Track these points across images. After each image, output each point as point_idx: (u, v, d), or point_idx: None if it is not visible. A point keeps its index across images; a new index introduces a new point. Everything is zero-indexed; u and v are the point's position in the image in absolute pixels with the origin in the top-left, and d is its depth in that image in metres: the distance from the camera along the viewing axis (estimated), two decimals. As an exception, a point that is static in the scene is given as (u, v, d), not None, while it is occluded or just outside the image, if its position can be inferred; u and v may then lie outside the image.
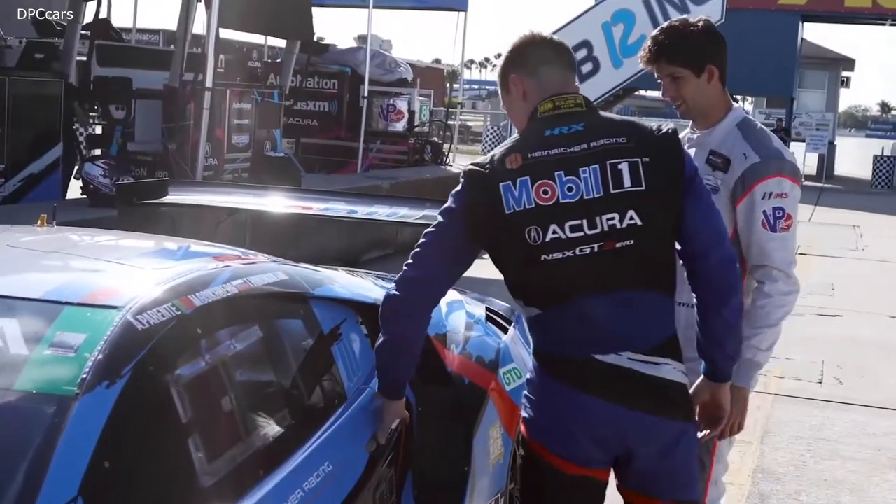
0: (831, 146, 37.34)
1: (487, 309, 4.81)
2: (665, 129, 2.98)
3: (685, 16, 3.73)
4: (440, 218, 3.02)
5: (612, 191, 2.88)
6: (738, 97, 37.40)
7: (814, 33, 43.53)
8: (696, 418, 3.23)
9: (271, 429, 2.96)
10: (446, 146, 19.97)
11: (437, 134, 20.73)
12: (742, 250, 3.60)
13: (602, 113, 3.06)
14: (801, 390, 8.14)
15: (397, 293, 3.04)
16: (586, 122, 2.98)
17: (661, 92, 3.76)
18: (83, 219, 8.60)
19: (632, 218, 2.88)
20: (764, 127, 3.76)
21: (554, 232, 2.88)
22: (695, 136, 3.76)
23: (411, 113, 18.63)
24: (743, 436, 6.81)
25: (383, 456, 3.29)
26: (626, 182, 2.89)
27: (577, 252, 2.88)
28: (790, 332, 9.95)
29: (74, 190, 11.75)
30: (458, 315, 4.47)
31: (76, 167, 11.67)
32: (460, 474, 3.72)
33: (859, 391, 8.21)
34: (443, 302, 4.47)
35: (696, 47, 3.59)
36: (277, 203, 5.83)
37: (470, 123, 45.56)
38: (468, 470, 3.74)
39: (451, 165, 19.01)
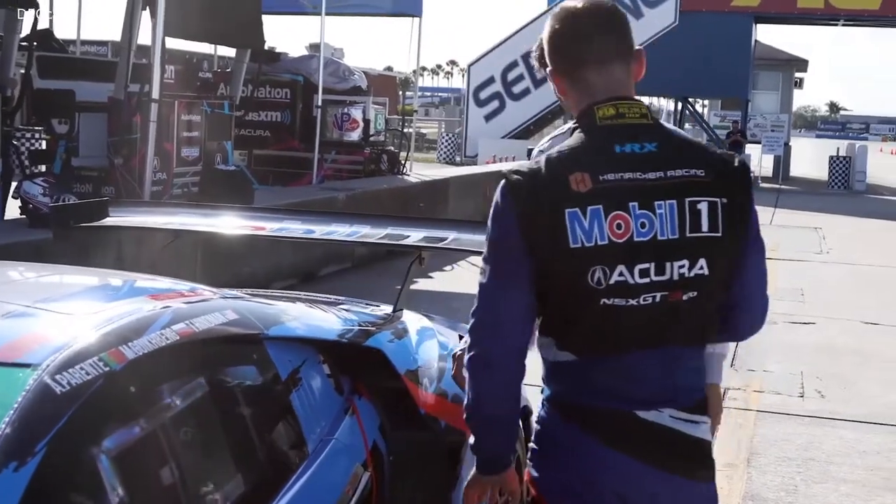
0: (786, 147, 37.33)
1: (461, 337, 4.39)
2: (736, 161, 2.54)
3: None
4: (490, 251, 2.48)
5: (687, 234, 2.42)
6: (692, 99, 37.35)
7: (764, 34, 43.63)
8: None
9: (223, 498, 2.52)
10: (403, 155, 19.56)
11: (393, 142, 20.33)
12: None
13: (667, 127, 2.61)
14: (783, 406, 7.79)
15: (473, 352, 2.50)
16: (659, 140, 2.49)
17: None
18: (20, 241, 8.11)
19: (701, 267, 2.44)
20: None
21: (620, 275, 2.41)
22: None
23: (366, 122, 18.19)
24: (729, 458, 6.51)
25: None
26: (704, 226, 2.43)
27: (641, 301, 2.43)
28: (765, 342, 9.76)
29: (14, 209, 11.21)
30: (430, 345, 4.06)
31: (14, 185, 11.12)
32: (440, 532, 3.31)
33: (843, 404, 7.87)
34: (412, 331, 4.07)
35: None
36: (228, 223, 5.37)
37: (424, 131, 45.21)
38: (448, 526, 3.33)
39: (408, 175, 18.60)
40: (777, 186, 33.69)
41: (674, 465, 2.50)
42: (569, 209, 2.38)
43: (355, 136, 18.17)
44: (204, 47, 18.85)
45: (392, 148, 19.71)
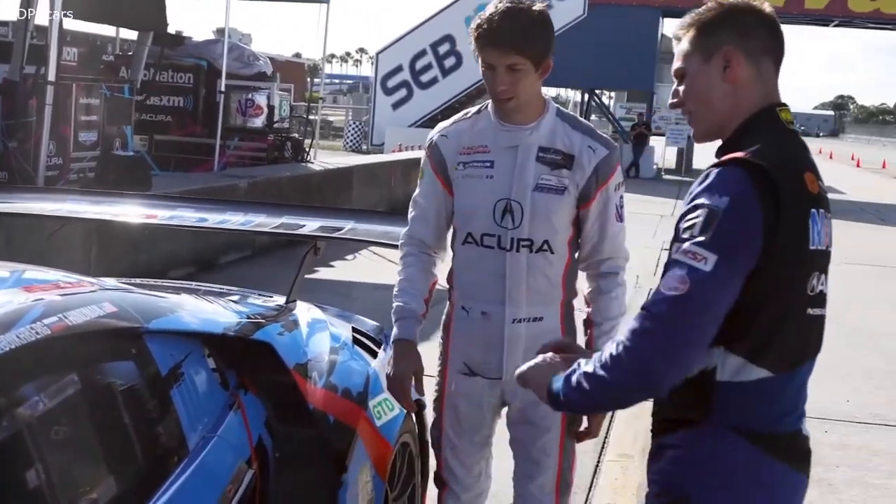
0: (690, 140, 37.81)
1: (353, 329, 4.33)
2: None
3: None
4: (719, 239, 2.20)
5: (830, 246, 2.41)
6: (599, 91, 37.70)
7: (671, 29, 44.15)
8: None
9: (95, 501, 2.43)
10: (307, 142, 19.40)
11: (297, 130, 20.16)
12: (584, 248, 3.47)
13: None
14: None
15: (658, 333, 2.21)
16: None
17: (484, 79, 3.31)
18: None
19: None
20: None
21: (820, 283, 2.37)
22: (506, 130, 3.37)
23: (271, 108, 18.01)
24: (624, 449, 6.54)
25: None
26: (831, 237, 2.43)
27: (822, 310, 2.40)
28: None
29: None
30: (321, 338, 3.98)
31: None
32: (327, 530, 3.25)
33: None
34: (303, 323, 3.99)
35: (544, 39, 3.25)
36: (120, 210, 5.24)
37: (331, 118, 44.95)
38: (336, 524, 3.27)
39: (312, 162, 18.44)
40: (680, 178, 34.19)
41: (808, 470, 2.46)
42: (812, 209, 2.32)
43: (259, 122, 17.98)
44: (109, 29, 18.49)
45: (296, 135, 19.55)
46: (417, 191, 3.56)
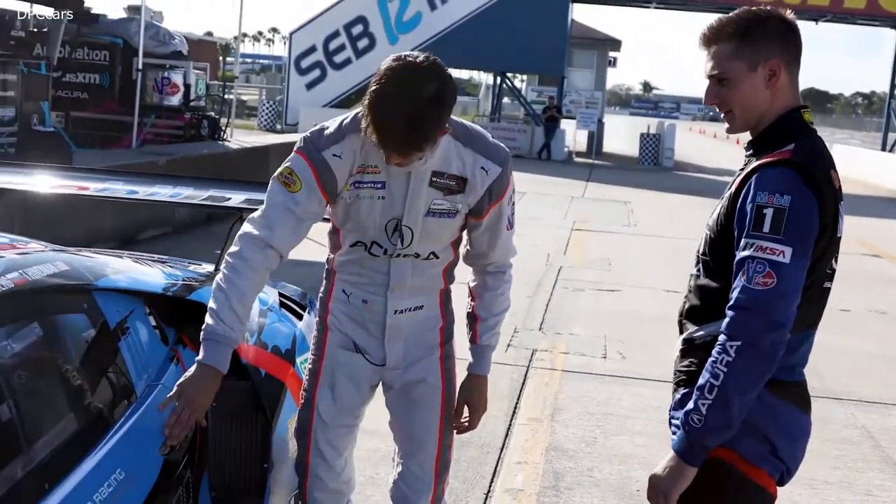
0: (600, 124, 38.45)
1: (280, 294, 4.61)
2: None
3: None
4: (794, 230, 2.59)
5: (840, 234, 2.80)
6: (511, 74, 38.05)
7: (583, 14, 44.64)
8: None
9: (56, 437, 2.68)
10: (223, 121, 19.49)
11: (213, 108, 20.24)
12: (473, 251, 3.53)
13: None
14: (587, 366, 8.26)
15: (766, 323, 2.58)
16: None
17: None
18: None
19: None
20: (463, 121, 3.43)
21: (836, 262, 2.83)
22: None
23: (187, 86, 18.10)
24: (534, 413, 6.91)
25: (179, 458, 3.06)
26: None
27: (831, 283, 2.82)
28: (573, 308, 10.25)
29: None
30: (251, 301, 4.24)
31: None
32: (259, 471, 3.53)
33: (642, 365, 8.38)
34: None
35: (440, 125, 3.09)
36: (50, 183, 5.42)
37: (244, 97, 44.78)
38: (267, 466, 3.55)
39: (228, 141, 18.56)
40: (591, 161, 34.83)
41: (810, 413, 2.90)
42: (839, 202, 2.73)
43: (175, 100, 18.07)
44: (19, 4, 18.36)
45: (212, 114, 19.63)
46: (293, 198, 3.26)
